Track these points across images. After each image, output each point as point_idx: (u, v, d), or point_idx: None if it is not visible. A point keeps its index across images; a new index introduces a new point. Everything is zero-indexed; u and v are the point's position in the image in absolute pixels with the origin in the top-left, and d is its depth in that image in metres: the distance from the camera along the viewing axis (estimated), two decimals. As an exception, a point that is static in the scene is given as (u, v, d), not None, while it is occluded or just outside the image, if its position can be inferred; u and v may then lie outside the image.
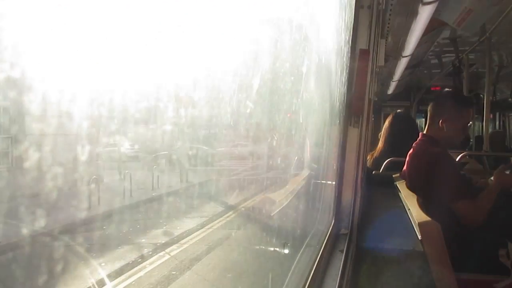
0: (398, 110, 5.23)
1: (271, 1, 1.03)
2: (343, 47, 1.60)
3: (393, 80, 6.93)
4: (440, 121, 2.63)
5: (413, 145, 2.80)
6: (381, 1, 2.10)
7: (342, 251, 1.43)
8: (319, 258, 1.25)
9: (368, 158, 4.28)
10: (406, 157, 2.82)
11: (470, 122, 4.28)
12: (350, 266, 1.44)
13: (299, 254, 1.28)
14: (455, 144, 2.88)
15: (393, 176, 3.21)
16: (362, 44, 1.63)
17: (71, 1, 0.46)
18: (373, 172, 3.78)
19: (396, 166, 3.39)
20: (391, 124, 4.17)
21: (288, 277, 1.12)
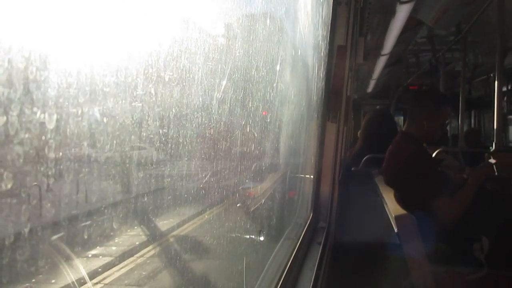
0: (378, 107, 5.31)
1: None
2: (320, 42, 1.63)
3: (373, 78, 7.03)
4: (419, 119, 2.68)
5: (392, 142, 2.84)
6: None
7: (319, 243, 1.46)
8: (297, 250, 1.26)
9: (347, 154, 4.34)
10: (385, 154, 2.86)
11: (448, 120, 4.38)
12: (327, 258, 1.46)
13: (277, 246, 1.30)
14: (434, 141, 2.94)
15: (372, 172, 3.25)
16: (340, 40, 1.65)
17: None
18: (352, 168, 3.83)
19: (374, 162, 3.45)
20: (370, 121, 4.23)
21: (265, 268, 1.14)
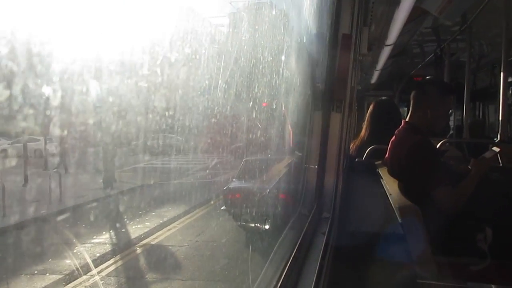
0: (381, 98, 5.28)
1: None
2: (325, 31, 1.61)
3: (376, 69, 6.98)
4: (423, 108, 2.67)
5: (395, 132, 2.83)
6: None
7: (324, 233, 1.46)
8: (301, 240, 1.26)
9: (351, 146, 4.32)
10: (388, 145, 2.86)
11: (451, 110, 4.36)
12: (331, 248, 1.47)
13: (281, 236, 1.30)
14: (437, 131, 2.93)
15: (376, 163, 3.24)
16: (344, 30, 1.64)
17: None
18: (356, 160, 3.82)
19: (378, 154, 3.43)
20: (374, 112, 4.20)
21: (269, 258, 1.14)
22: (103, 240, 9.11)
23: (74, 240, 8.70)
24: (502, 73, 3.98)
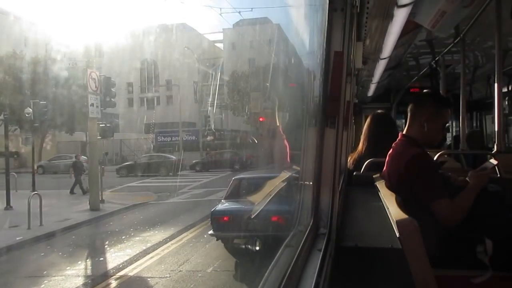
0: (378, 111, 5.31)
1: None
2: (316, 50, 1.63)
3: (373, 82, 7.03)
4: (420, 120, 2.69)
5: (393, 145, 2.85)
6: (355, 4, 2.14)
7: (320, 250, 1.46)
8: (297, 257, 1.26)
9: (349, 159, 4.33)
10: (386, 158, 2.87)
11: (448, 123, 4.38)
12: (328, 264, 1.46)
13: (278, 253, 1.30)
14: (434, 144, 2.95)
15: (374, 176, 3.25)
16: (336, 47, 1.66)
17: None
18: (354, 173, 3.82)
19: (376, 167, 3.44)
20: (371, 125, 4.22)
21: (266, 275, 1.14)
22: (76, 271, 8.27)
23: (45, 272, 8.04)
24: (496, 84, 4.01)
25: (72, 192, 19.32)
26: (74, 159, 21.83)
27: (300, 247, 1.34)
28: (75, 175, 20.01)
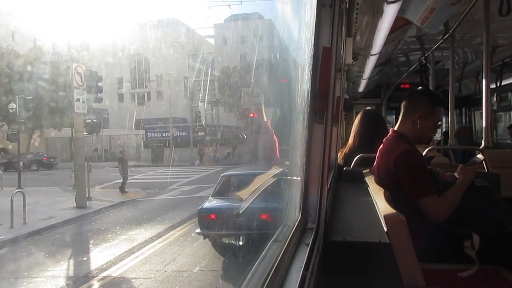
0: (368, 108, 5.34)
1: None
2: (304, 45, 1.63)
3: (364, 78, 7.06)
4: (413, 117, 2.71)
5: (384, 141, 2.86)
6: None
7: (307, 244, 1.46)
8: (284, 251, 1.27)
9: (339, 154, 4.35)
10: (376, 153, 2.88)
11: (440, 122, 4.41)
12: (315, 259, 1.47)
13: (265, 249, 1.31)
14: (424, 141, 2.97)
15: (363, 171, 3.27)
16: (324, 42, 1.66)
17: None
18: (344, 168, 3.84)
19: (366, 162, 3.46)
20: (361, 121, 4.25)
21: (252, 270, 1.14)
22: (58, 272, 7.85)
23: (25, 274, 7.76)
24: (484, 80, 4.05)
25: (123, 191, 18.04)
26: (120, 155, 20.82)
27: (287, 241, 1.35)
28: (122, 171, 19.05)
